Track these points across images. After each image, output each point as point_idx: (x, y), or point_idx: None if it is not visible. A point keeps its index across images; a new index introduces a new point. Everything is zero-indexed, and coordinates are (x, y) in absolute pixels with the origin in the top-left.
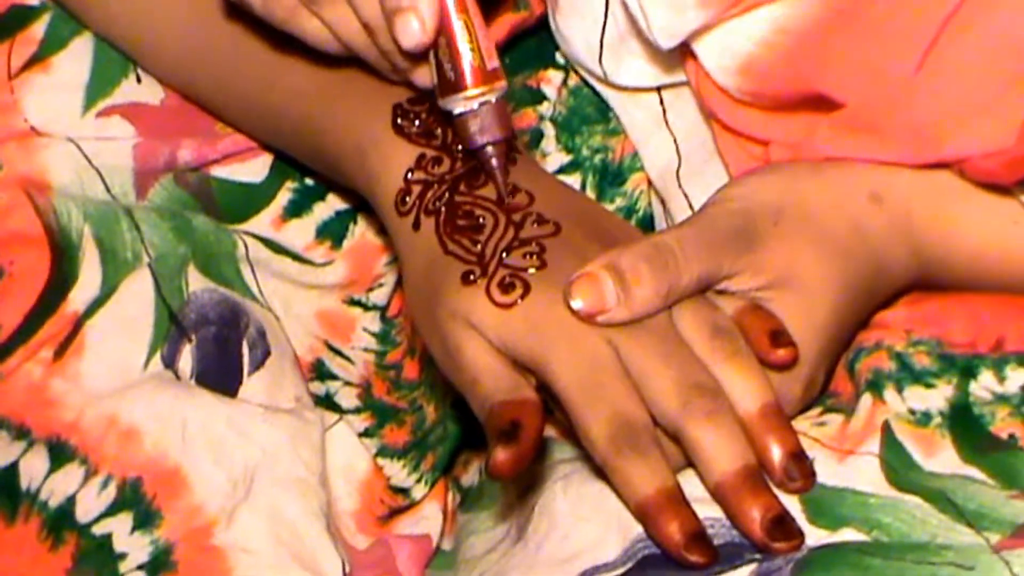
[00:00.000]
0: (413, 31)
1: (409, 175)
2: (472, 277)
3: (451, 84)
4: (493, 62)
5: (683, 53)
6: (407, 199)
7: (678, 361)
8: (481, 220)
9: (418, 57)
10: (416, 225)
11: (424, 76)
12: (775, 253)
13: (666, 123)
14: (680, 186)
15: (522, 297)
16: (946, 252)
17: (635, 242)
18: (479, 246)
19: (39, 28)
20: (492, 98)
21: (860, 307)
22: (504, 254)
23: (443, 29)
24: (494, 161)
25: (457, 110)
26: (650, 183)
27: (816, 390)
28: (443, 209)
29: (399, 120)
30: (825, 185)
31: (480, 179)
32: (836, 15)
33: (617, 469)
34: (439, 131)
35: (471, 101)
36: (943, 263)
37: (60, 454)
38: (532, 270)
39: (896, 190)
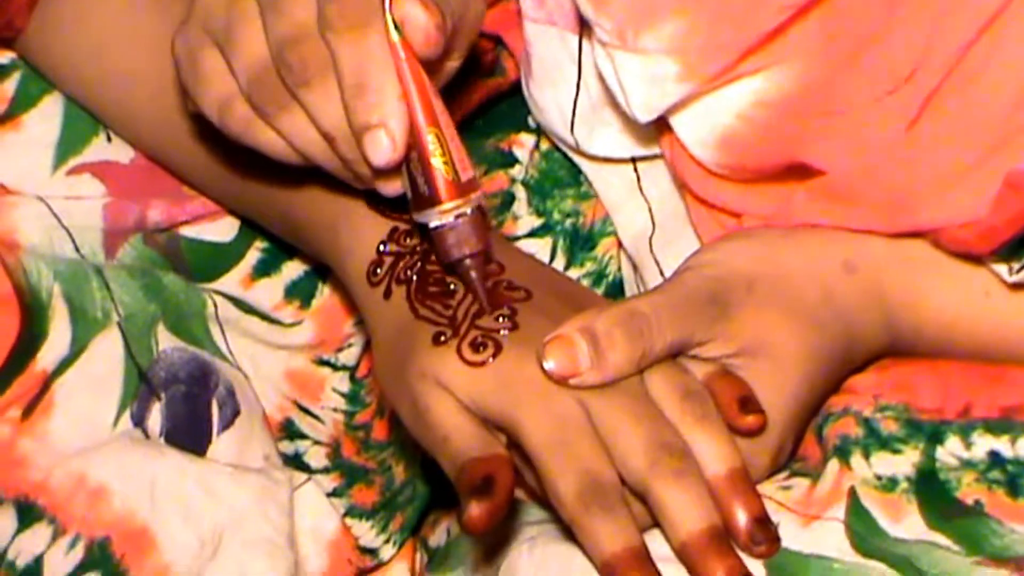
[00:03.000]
0: (384, 148)
1: (382, 247)
2: (443, 338)
3: (425, 198)
4: (468, 173)
5: (658, 126)
6: (378, 270)
7: (648, 421)
8: (452, 287)
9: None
10: (387, 294)
11: (391, 187)
12: (747, 321)
13: (640, 191)
14: (652, 252)
15: (493, 356)
16: (917, 322)
17: (610, 307)
18: (450, 310)
19: (9, 86)
20: (468, 210)
21: (830, 376)
22: (476, 317)
23: (414, 143)
24: (472, 273)
25: (433, 224)
26: (621, 247)
27: (784, 458)
28: (415, 278)
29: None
30: (799, 252)
31: None
32: (813, 89)
33: (584, 526)
34: None
35: (447, 215)
36: (914, 332)
37: (28, 514)
38: (504, 332)
39: (869, 259)
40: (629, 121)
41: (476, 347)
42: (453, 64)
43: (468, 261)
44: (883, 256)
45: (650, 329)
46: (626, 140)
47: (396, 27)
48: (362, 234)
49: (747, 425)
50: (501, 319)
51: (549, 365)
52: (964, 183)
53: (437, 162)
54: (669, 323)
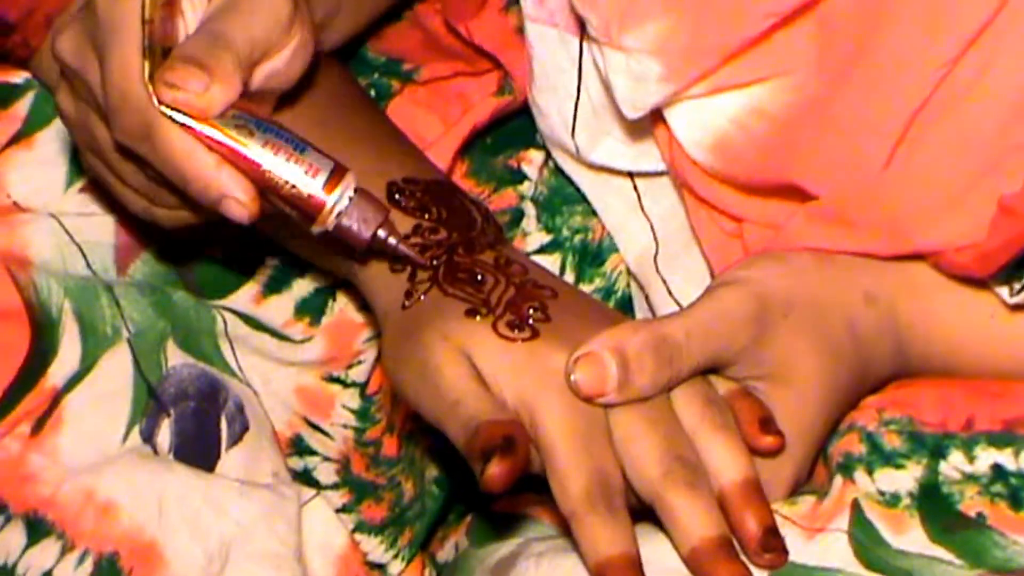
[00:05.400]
0: (240, 213)
1: (407, 239)
2: (477, 314)
3: (304, 218)
4: (323, 167)
5: (654, 122)
6: (396, 228)
7: (664, 430)
8: (481, 277)
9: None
10: (411, 277)
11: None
12: (779, 347)
13: (641, 209)
14: (658, 272)
15: (528, 339)
16: (927, 347)
17: (643, 329)
18: (483, 295)
19: (23, 106)
20: (345, 201)
21: (844, 405)
22: (510, 304)
23: (264, 187)
24: (391, 239)
25: (329, 228)
26: (628, 269)
27: (799, 486)
28: (442, 266)
29: (396, 195)
30: (828, 282)
31: (478, 247)
32: (808, 105)
33: (586, 524)
34: (434, 208)
35: (330, 217)
36: (923, 357)
37: (37, 529)
38: (537, 323)
39: (885, 289)
40: (630, 131)
41: (512, 327)
42: (275, 68)
43: (380, 232)
44: (895, 286)
45: (680, 357)
46: (627, 151)
47: (177, 111)
48: None
49: (766, 445)
50: (533, 311)
51: (576, 378)
52: (959, 206)
53: (288, 191)
54: (700, 349)
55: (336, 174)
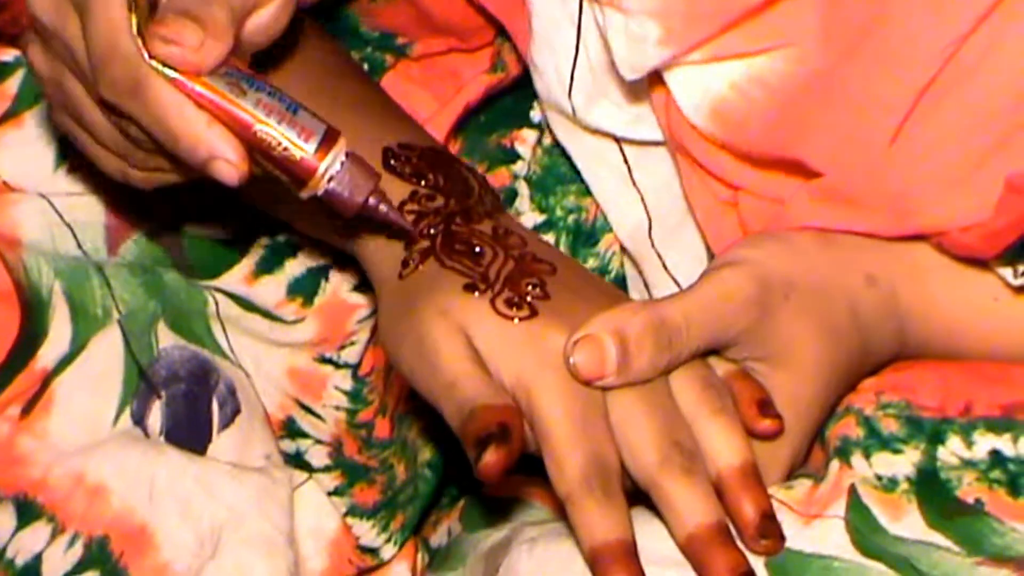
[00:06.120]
0: (229, 173)
1: (403, 206)
2: (476, 290)
3: (295, 180)
4: (315, 130)
5: (652, 84)
6: (386, 195)
7: (662, 416)
8: (479, 249)
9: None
10: (407, 246)
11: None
12: (780, 329)
13: (632, 182)
14: (654, 247)
15: (527, 318)
16: (927, 330)
17: (642, 310)
18: (481, 268)
19: (12, 84)
20: (337, 164)
21: (843, 387)
22: (508, 280)
23: (255, 148)
24: (383, 207)
25: (319, 193)
26: (621, 246)
27: (796, 468)
28: (439, 236)
29: (391, 161)
30: (829, 263)
31: (476, 216)
32: (812, 78)
33: (582, 508)
34: (431, 175)
35: (321, 182)
36: (924, 340)
37: (27, 512)
38: (535, 301)
39: (887, 271)
40: (627, 94)
41: (510, 304)
42: (260, 22)
43: (372, 200)
44: (896, 267)
45: (680, 340)
46: (622, 115)
47: (168, 67)
48: None
49: (764, 428)
50: (532, 287)
51: (575, 361)
52: (965, 185)
53: (279, 153)
54: (699, 332)
55: (328, 138)
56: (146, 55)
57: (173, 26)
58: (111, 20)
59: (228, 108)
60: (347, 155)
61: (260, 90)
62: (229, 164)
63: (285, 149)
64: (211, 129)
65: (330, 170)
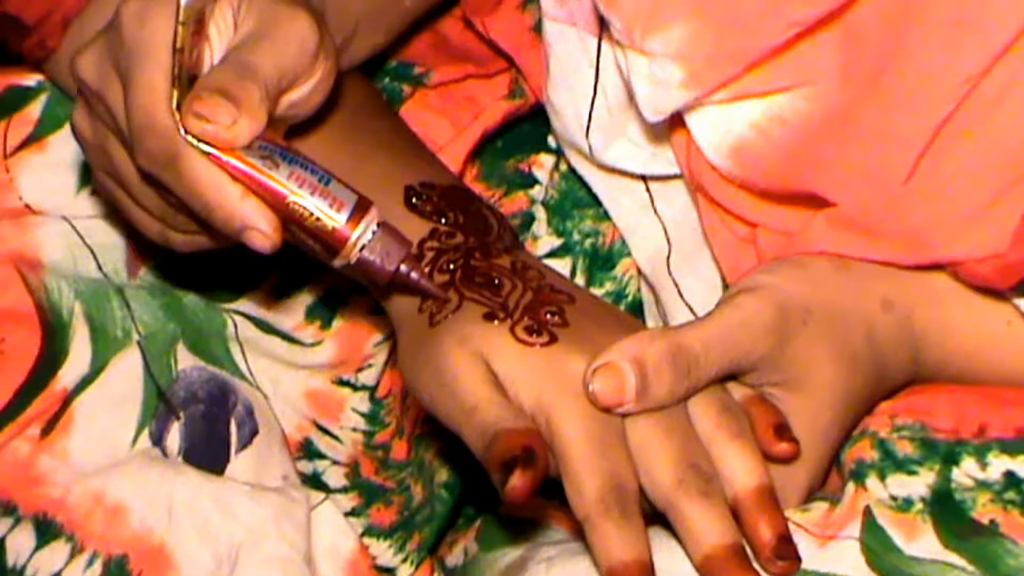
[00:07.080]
0: (263, 244)
1: (423, 244)
2: (495, 318)
3: (326, 251)
4: (346, 206)
5: (672, 125)
6: (419, 263)
7: (680, 440)
8: (498, 281)
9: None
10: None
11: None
12: (798, 355)
13: (654, 210)
14: (670, 274)
15: (547, 344)
16: (942, 355)
17: (661, 337)
18: (500, 299)
19: (35, 108)
20: (369, 234)
21: (860, 412)
22: (528, 309)
23: (288, 219)
24: (414, 274)
25: (352, 261)
26: (639, 270)
27: (813, 493)
28: (459, 271)
29: (413, 200)
30: (846, 288)
31: (495, 252)
32: (831, 115)
33: (600, 528)
34: (451, 213)
35: (353, 251)
36: (939, 365)
37: (46, 531)
38: (554, 328)
39: (902, 296)
40: (645, 133)
41: (530, 331)
42: (298, 97)
43: (403, 267)
44: (913, 292)
45: (698, 367)
46: (641, 154)
47: (203, 142)
48: (403, 232)
49: (781, 451)
50: (551, 315)
51: (595, 388)
52: (983, 219)
53: (311, 223)
54: (718, 359)
55: (360, 207)
56: (182, 130)
57: (207, 103)
58: (151, 93)
59: (262, 180)
60: (379, 224)
61: (293, 163)
62: (262, 235)
63: (318, 220)
64: (245, 201)
65: (362, 239)
